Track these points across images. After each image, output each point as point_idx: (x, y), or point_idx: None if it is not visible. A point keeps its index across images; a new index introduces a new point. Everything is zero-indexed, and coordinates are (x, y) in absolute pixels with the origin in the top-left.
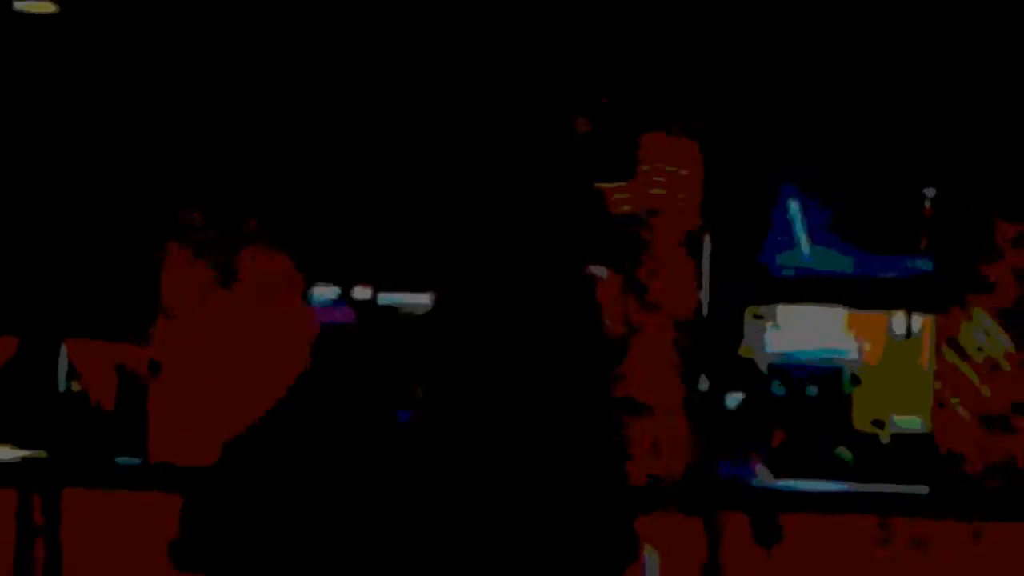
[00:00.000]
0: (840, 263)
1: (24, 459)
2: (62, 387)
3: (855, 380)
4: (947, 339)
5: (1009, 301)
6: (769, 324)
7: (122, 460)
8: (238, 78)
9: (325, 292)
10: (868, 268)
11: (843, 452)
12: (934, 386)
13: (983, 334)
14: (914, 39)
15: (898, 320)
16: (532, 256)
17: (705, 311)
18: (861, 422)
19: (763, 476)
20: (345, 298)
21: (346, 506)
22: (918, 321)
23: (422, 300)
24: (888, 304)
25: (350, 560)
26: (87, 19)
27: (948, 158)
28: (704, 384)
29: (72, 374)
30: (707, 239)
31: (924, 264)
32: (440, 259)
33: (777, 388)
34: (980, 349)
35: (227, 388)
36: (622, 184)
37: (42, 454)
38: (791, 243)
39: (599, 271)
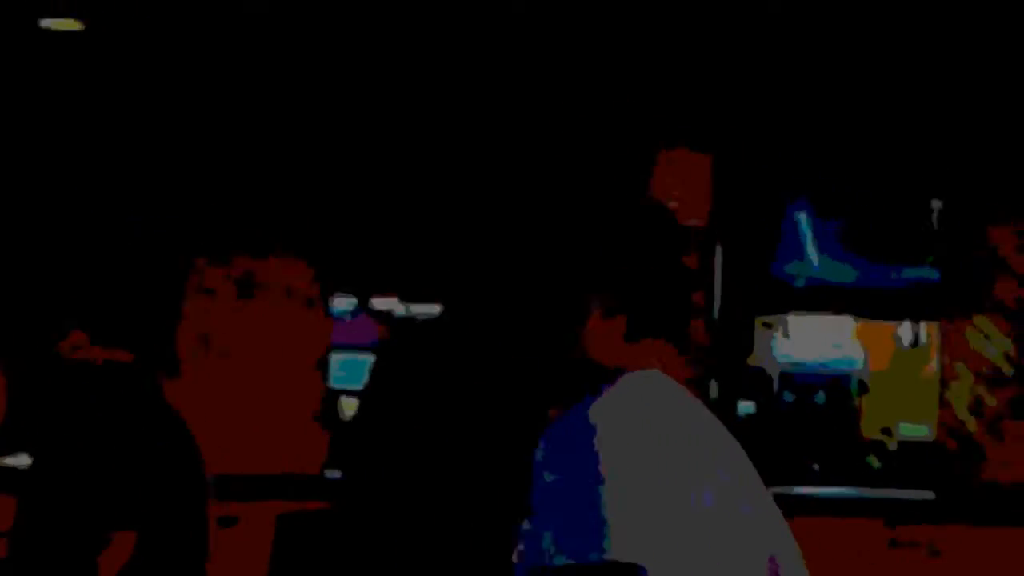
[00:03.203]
0: (848, 273)
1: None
2: None
3: (863, 388)
4: (953, 348)
5: (1013, 309)
6: (779, 333)
7: None
8: (262, 90)
9: (345, 303)
10: (876, 278)
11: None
12: (940, 394)
13: (988, 342)
14: (922, 55)
15: (905, 329)
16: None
17: (716, 320)
18: (869, 429)
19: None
20: (365, 309)
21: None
22: (925, 330)
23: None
24: (895, 314)
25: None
26: (112, 35)
27: (954, 170)
28: (715, 392)
29: None
30: (719, 250)
31: (930, 274)
32: (453, 273)
33: (787, 396)
34: (985, 357)
35: (246, 396)
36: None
37: None
38: (801, 254)
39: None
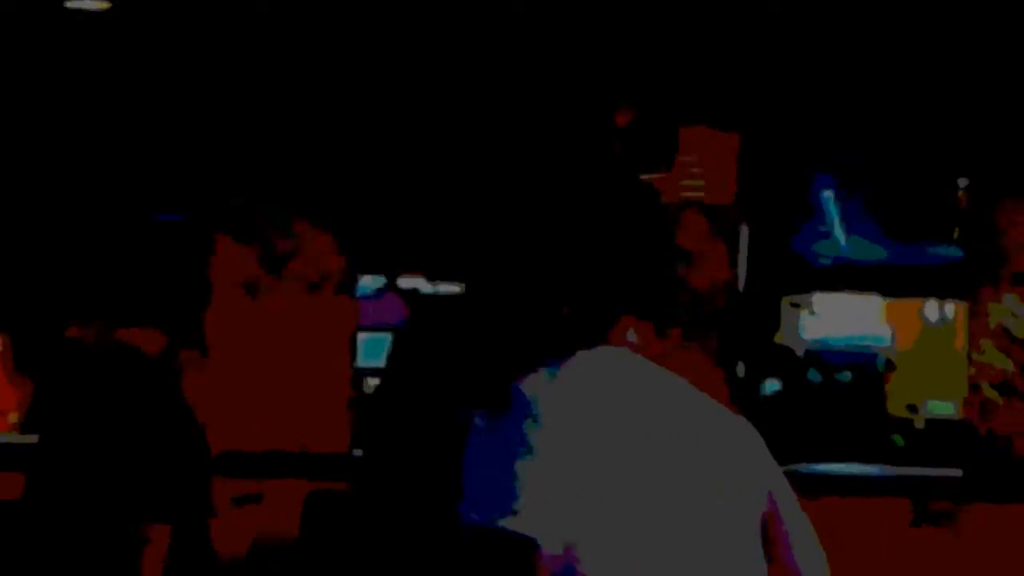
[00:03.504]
0: (875, 252)
1: None
2: None
3: (889, 366)
4: (980, 325)
5: None
6: (805, 312)
7: None
8: (289, 68)
9: (372, 282)
10: (902, 257)
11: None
12: (967, 372)
13: (1015, 320)
14: (949, 33)
15: (931, 307)
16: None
17: (742, 299)
18: (895, 407)
19: None
20: (392, 288)
21: None
22: (951, 308)
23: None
24: (922, 291)
25: None
26: (138, 14)
27: (979, 148)
28: (742, 371)
29: None
30: (744, 229)
31: (956, 252)
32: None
33: (813, 374)
34: (1012, 334)
35: (272, 374)
36: (661, 175)
37: None
38: (827, 232)
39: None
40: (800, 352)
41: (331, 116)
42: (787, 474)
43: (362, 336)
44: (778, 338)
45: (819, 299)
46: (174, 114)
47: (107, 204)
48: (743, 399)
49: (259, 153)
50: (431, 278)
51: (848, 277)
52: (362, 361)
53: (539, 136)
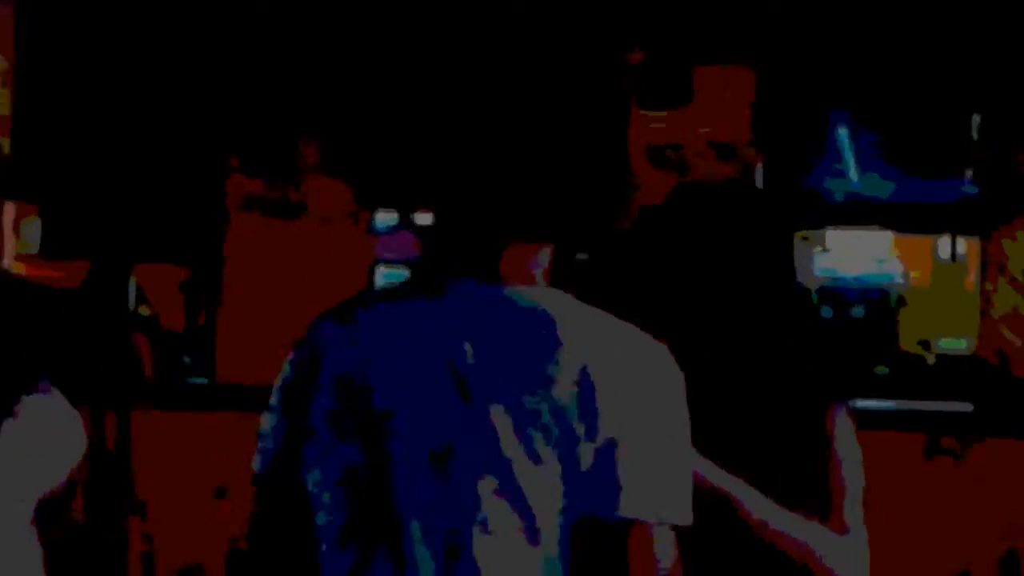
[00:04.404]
0: (887, 188)
1: (96, 380)
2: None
3: (901, 302)
4: (993, 262)
5: None
6: (817, 248)
7: (192, 380)
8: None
9: (387, 218)
10: (914, 193)
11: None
12: (979, 309)
13: None
14: None
15: (944, 244)
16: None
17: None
18: (907, 343)
19: None
20: (408, 224)
21: None
22: (963, 245)
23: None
24: (934, 228)
25: None
26: None
27: (993, 85)
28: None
29: (141, 298)
30: (759, 166)
31: (970, 188)
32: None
33: (825, 310)
34: None
35: (289, 310)
36: (676, 111)
37: (114, 375)
38: (840, 169)
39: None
40: (812, 288)
41: (348, 54)
42: None
43: (380, 271)
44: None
45: (831, 235)
46: (188, 55)
47: (125, 143)
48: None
49: (275, 92)
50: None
51: (860, 213)
52: None
53: (540, 76)
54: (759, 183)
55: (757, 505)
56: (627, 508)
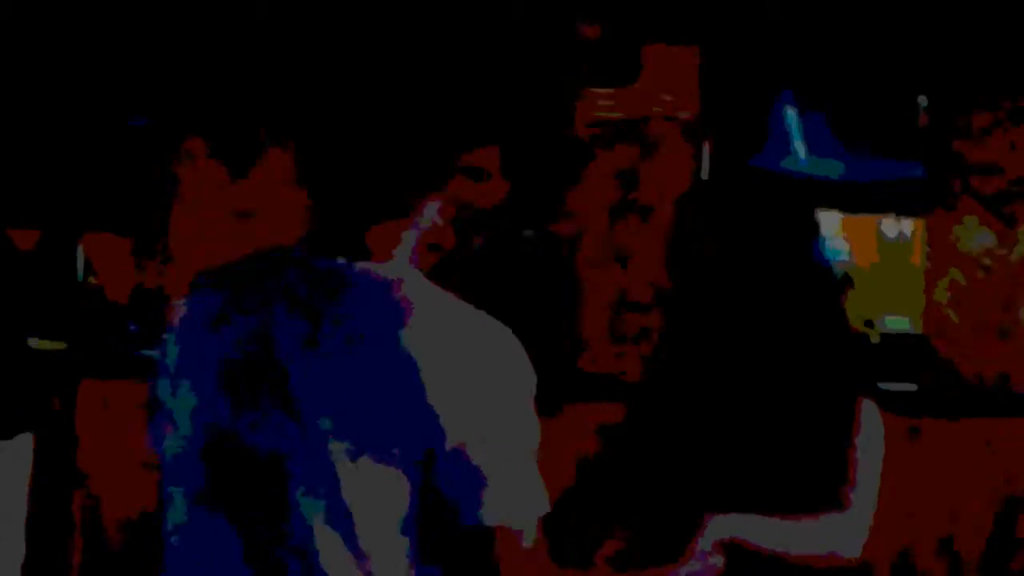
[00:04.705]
0: (834, 168)
1: (44, 350)
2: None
3: (847, 281)
4: (938, 242)
5: (1000, 204)
6: None
7: (141, 352)
8: None
9: None
10: (861, 173)
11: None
12: (924, 288)
13: (973, 236)
14: None
15: (889, 223)
16: None
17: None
18: (853, 321)
19: None
20: None
21: None
22: (909, 224)
23: None
24: (880, 208)
25: None
26: None
27: (940, 66)
28: None
29: (89, 269)
30: (706, 146)
31: (916, 170)
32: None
33: None
34: (970, 252)
35: None
36: (623, 89)
37: (61, 346)
38: (787, 149)
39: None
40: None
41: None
42: None
43: None
44: None
45: None
46: (144, 18)
47: (74, 110)
48: None
49: (231, 60)
50: None
51: (808, 193)
52: None
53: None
54: (707, 163)
55: (773, 539)
56: (487, 516)
